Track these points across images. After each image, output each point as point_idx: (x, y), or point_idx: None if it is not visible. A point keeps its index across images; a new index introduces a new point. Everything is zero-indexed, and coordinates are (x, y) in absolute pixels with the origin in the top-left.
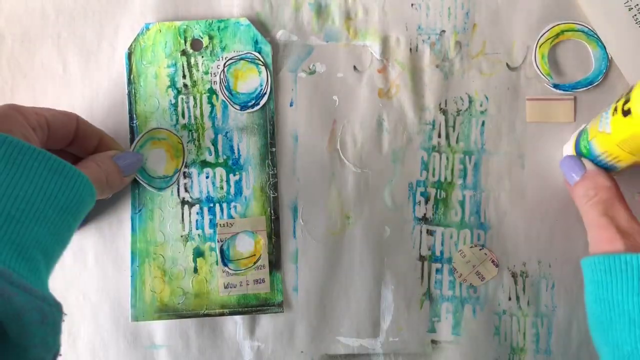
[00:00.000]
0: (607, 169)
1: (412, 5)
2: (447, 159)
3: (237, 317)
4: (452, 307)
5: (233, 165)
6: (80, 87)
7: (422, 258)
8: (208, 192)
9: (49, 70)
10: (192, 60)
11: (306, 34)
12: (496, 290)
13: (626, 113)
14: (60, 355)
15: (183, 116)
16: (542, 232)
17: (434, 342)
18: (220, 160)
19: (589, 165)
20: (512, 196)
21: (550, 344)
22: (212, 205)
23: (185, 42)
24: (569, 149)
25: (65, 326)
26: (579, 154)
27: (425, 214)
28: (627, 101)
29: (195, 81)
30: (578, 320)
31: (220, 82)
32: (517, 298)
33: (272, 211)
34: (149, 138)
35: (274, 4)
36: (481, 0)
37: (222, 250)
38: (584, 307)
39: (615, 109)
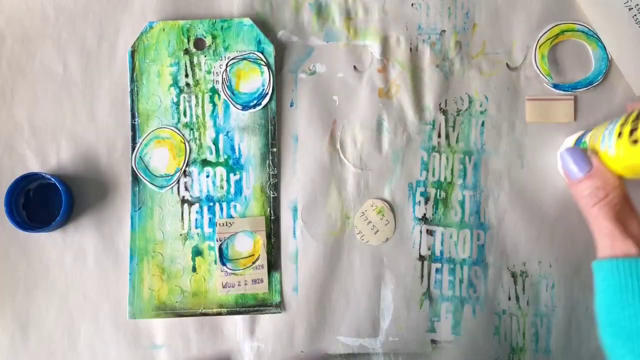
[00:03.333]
0: None
1: (412, 5)
2: (447, 159)
3: (237, 317)
4: (451, 307)
5: (234, 165)
6: (81, 87)
7: (421, 258)
8: (208, 191)
9: (49, 71)
10: (195, 60)
11: (306, 34)
12: (496, 290)
13: (635, 142)
14: None
15: (185, 115)
16: (542, 232)
17: (433, 341)
18: (221, 159)
19: (595, 161)
20: (511, 196)
21: (550, 343)
22: (212, 204)
23: (189, 41)
24: None
25: (65, 326)
26: None
27: (425, 214)
28: (635, 129)
29: (197, 80)
30: (577, 320)
31: (222, 81)
32: (517, 298)
33: (271, 211)
34: (154, 137)
35: (274, 4)
36: (481, 1)
37: (220, 250)
38: (583, 307)
39: (620, 134)
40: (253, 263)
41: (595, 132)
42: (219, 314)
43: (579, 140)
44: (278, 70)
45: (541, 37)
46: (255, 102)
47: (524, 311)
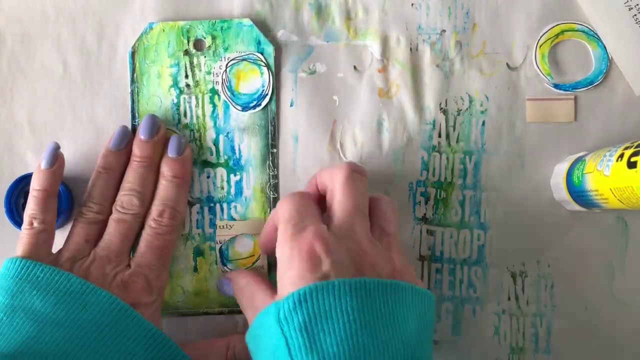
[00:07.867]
0: (591, 205)
1: (412, 4)
2: (447, 159)
3: (238, 317)
4: (451, 307)
5: (234, 166)
6: (81, 87)
7: (422, 258)
8: (209, 191)
9: (49, 70)
10: (195, 60)
11: (306, 34)
12: (496, 290)
13: (632, 165)
14: None
15: (185, 116)
16: (541, 232)
17: (433, 342)
18: (221, 160)
19: None
20: (512, 196)
21: (550, 343)
22: (212, 205)
23: (189, 42)
24: (561, 172)
25: None
26: (570, 182)
27: (425, 214)
28: (635, 153)
29: (197, 81)
30: (577, 320)
31: (222, 82)
32: (517, 298)
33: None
34: None
35: (274, 4)
36: (481, 0)
37: (221, 251)
38: (583, 307)
39: (621, 157)
40: (253, 264)
41: (599, 153)
42: (221, 313)
43: (576, 162)
44: (278, 70)
45: (541, 37)
46: (255, 102)
47: (524, 311)
